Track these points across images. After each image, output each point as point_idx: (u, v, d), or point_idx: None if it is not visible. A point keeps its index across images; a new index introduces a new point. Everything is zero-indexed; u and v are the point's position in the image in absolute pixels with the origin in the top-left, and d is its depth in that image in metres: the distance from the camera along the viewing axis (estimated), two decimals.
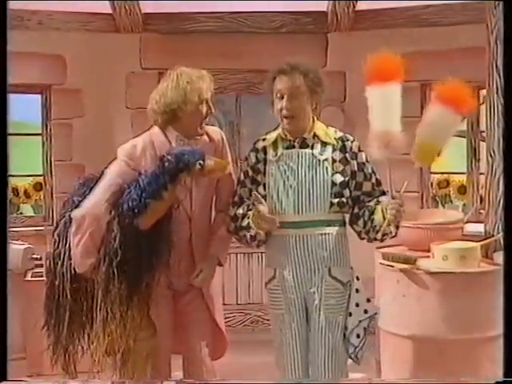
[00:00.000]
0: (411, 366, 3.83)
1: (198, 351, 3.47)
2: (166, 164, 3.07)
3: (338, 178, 3.25)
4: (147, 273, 3.21)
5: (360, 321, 3.28)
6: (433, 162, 3.27)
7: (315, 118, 3.38)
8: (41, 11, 5.48)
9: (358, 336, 3.28)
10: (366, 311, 3.30)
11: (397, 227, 3.25)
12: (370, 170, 3.33)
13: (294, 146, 3.33)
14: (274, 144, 3.36)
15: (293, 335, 3.35)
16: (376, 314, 3.37)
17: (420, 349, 3.89)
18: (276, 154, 3.35)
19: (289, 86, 3.25)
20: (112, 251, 3.10)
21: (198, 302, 3.46)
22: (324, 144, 3.32)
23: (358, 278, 3.31)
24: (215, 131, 3.50)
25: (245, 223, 3.30)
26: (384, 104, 3.11)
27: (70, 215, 3.23)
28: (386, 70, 3.11)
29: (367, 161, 3.33)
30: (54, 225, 3.42)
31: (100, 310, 3.15)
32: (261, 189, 3.35)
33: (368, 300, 3.32)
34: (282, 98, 3.26)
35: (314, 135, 3.32)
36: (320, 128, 3.35)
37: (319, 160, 3.28)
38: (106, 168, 3.31)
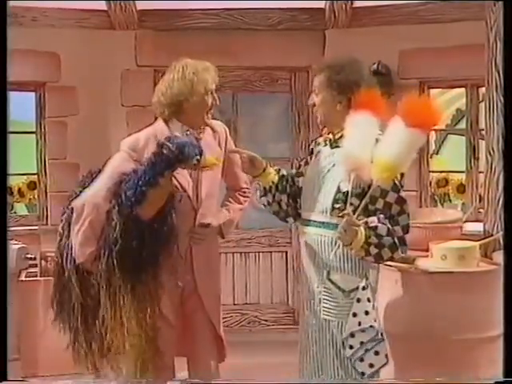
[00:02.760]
0: (409, 366, 3.79)
1: (203, 354, 3.50)
2: (165, 151, 3.08)
3: (344, 187, 3.15)
4: (151, 264, 3.22)
5: (352, 332, 3.18)
6: (392, 179, 3.09)
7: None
8: (35, 8, 5.46)
9: (351, 347, 3.18)
10: (359, 323, 3.18)
11: (372, 255, 3.10)
12: (388, 188, 3.12)
13: (326, 144, 3.34)
14: (324, 140, 3.39)
15: (302, 331, 3.38)
16: (382, 339, 3.22)
17: (418, 349, 3.87)
18: (318, 150, 3.38)
19: (316, 82, 3.29)
20: (112, 240, 3.11)
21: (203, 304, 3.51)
22: None
23: (364, 288, 3.20)
24: (219, 124, 3.59)
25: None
26: (359, 132, 3.08)
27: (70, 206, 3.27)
28: (371, 103, 3.11)
29: None
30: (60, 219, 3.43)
31: (104, 303, 3.16)
32: (300, 179, 3.42)
33: (366, 312, 3.19)
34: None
35: (342, 136, 3.23)
36: (346, 138, 3.23)
37: (335, 164, 3.23)
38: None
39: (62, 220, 3.33)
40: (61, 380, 4.34)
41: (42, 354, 4.72)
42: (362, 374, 3.19)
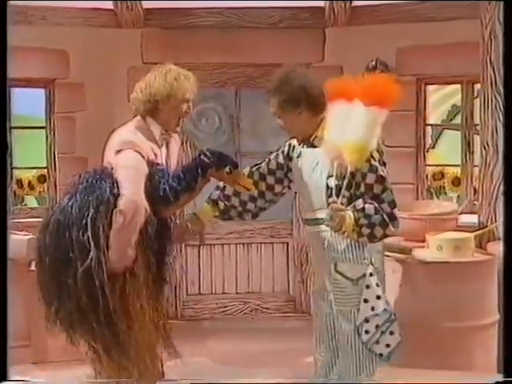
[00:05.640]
0: (406, 354, 3.78)
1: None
2: (203, 158, 3.23)
3: (332, 182, 3.25)
4: (168, 257, 3.33)
5: (366, 317, 3.28)
6: (363, 160, 3.19)
7: (322, 119, 3.36)
8: (44, 7, 5.50)
9: (367, 332, 3.28)
10: (373, 308, 3.28)
11: (365, 235, 3.20)
12: (365, 170, 3.23)
13: (304, 146, 3.43)
14: (299, 143, 3.46)
15: (316, 319, 3.53)
16: (395, 319, 3.33)
17: (415, 337, 3.86)
18: (298, 152, 3.46)
19: (271, 108, 3.41)
20: (148, 242, 3.15)
21: None
22: None
23: (371, 274, 3.30)
24: (179, 138, 3.60)
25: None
26: (336, 121, 3.18)
27: (104, 204, 3.11)
28: (343, 91, 3.19)
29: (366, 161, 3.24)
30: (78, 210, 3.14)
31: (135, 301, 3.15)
32: (278, 186, 3.54)
33: (378, 297, 3.29)
34: None
35: (316, 137, 3.35)
36: (326, 129, 3.31)
37: (318, 162, 3.33)
38: (112, 161, 3.26)
39: (88, 228, 3.08)
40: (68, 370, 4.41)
41: (52, 340, 4.79)
42: (380, 355, 3.31)
